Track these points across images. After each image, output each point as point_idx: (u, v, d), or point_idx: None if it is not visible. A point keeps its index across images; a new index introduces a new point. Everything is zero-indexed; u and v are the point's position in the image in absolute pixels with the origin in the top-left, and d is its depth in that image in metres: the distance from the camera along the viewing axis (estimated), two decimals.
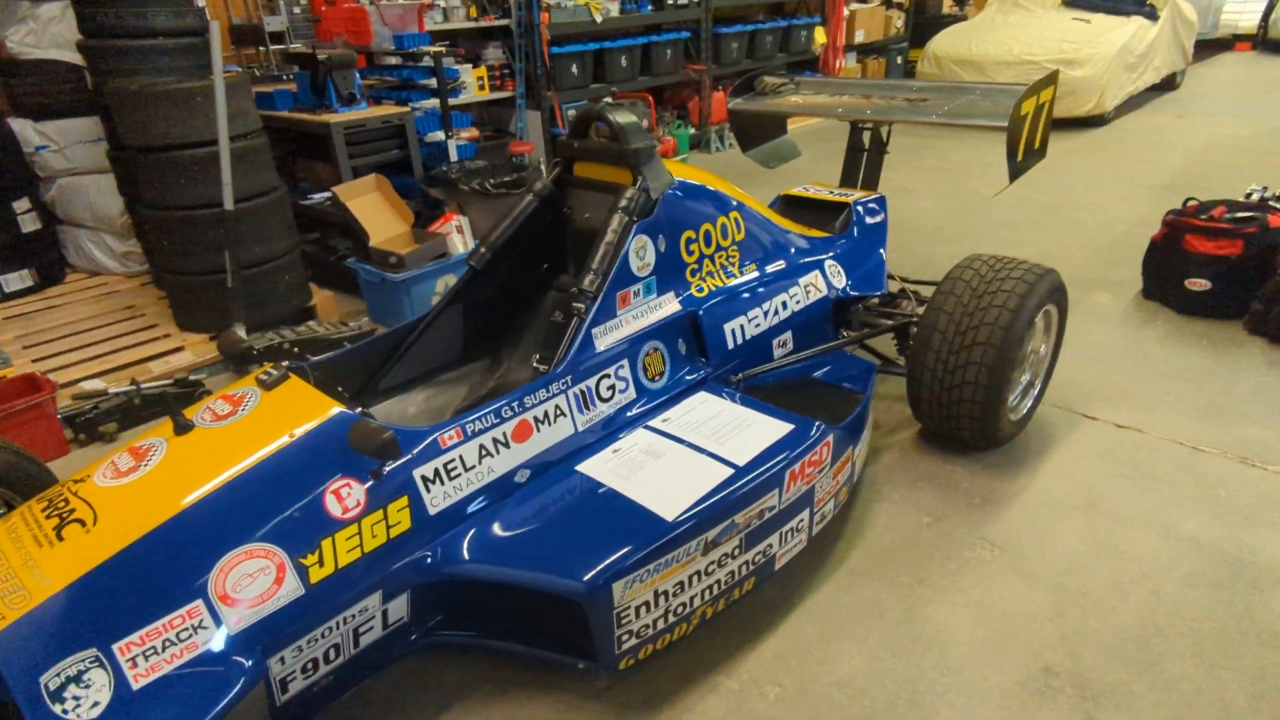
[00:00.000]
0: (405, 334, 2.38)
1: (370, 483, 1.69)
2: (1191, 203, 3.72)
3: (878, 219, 3.22)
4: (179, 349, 3.55)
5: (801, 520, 2.05)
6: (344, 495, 1.65)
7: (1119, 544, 2.30)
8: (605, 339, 2.14)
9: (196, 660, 1.45)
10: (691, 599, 1.83)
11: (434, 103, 4.86)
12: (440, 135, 4.77)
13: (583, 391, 2.06)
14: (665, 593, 1.77)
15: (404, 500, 1.73)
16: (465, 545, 1.78)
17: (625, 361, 2.17)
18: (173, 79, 3.46)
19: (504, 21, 5.65)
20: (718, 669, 1.94)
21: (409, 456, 1.74)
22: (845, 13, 8.40)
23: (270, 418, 1.73)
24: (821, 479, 2.07)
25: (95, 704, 1.36)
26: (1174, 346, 3.41)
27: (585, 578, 1.65)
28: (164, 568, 1.49)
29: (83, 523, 1.53)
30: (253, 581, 1.53)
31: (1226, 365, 3.23)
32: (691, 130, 7.27)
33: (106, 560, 1.46)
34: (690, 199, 2.38)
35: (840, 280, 2.86)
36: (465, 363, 2.56)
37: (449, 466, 1.80)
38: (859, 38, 8.77)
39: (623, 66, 6.33)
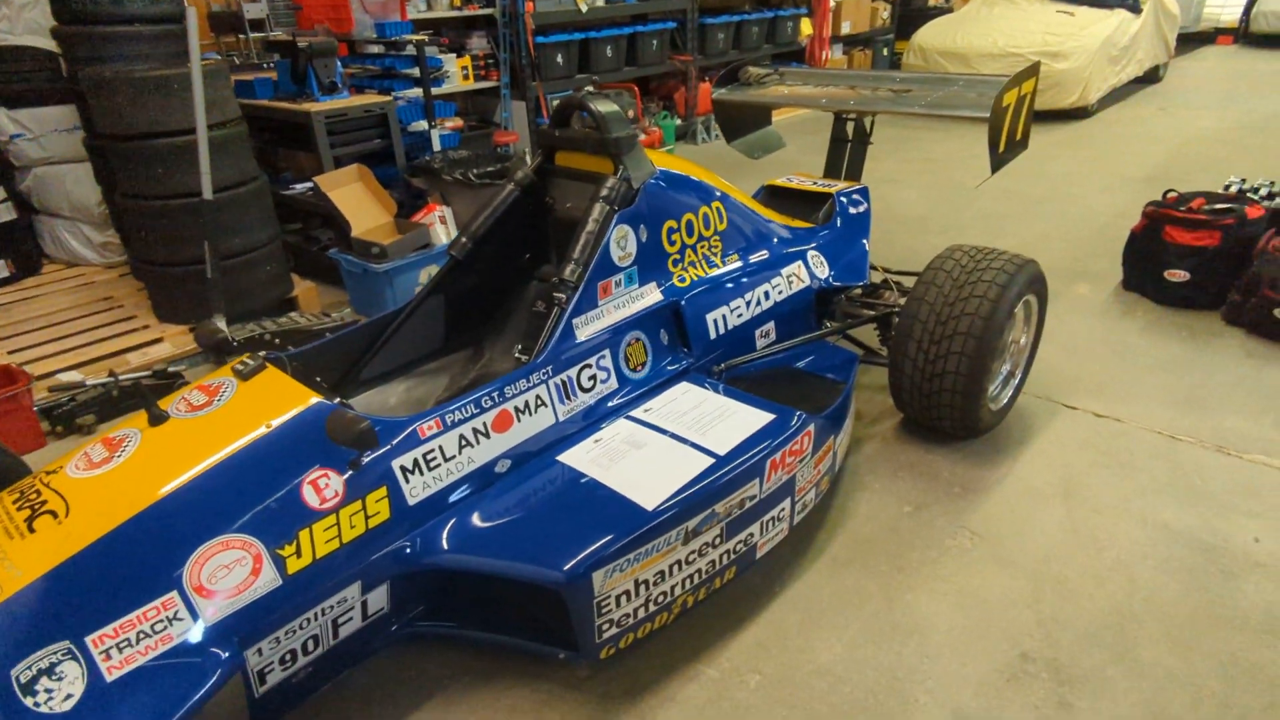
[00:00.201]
0: (386, 324, 2.36)
1: (348, 473, 1.68)
2: (1171, 194, 3.75)
3: (861, 209, 3.23)
4: (158, 340, 3.52)
5: (783, 509, 2.06)
6: (322, 486, 1.64)
7: (1096, 532, 2.32)
8: (586, 329, 2.13)
9: (171, 652, 1.44)
10: (672, 588, 1.83)
11: (417, 92, 4.82)
12: (423, 125, 4.73)
13: (564, 381, 2.06)
14: (646, 582, 1.77)
15: (383, 491, 1.72)
16: (445, 535, 1.77)
17: (607, 351, 2.17)
18: (149, 66, 3.41)
19: (488, 10, 5.61)
20: (699, 657, 1.95)
21: (388, 447, 1.74)
22: (831, 4, 8.39)
23: (247, 408, 1.71)
24: (803, 468, 2.08)
25: (68, 696, 1.34)
26: (1153, 337, 3.44)
27: (565, 567, 1.64)
28: (138, 559, 1.47)
29: (55, 514, 1.52)
30: (229, 573, 1.52)
31: (1204, 355, 3.27)
32: (678, 121, 7.26)
33: (79, 552, 1.45)
34: (672, 189, 2.38)
35: (823, 270, 2.87)
36: (447, 353, 2.54)
37: (428, 457, 1.79)
38: (845, 29, 8.77)
39: (608, 57, 6.30)
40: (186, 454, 1.62)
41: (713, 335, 2.43)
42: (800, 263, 2.78)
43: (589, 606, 1.68)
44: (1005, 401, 2.76)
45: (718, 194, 2.56)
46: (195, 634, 1.46)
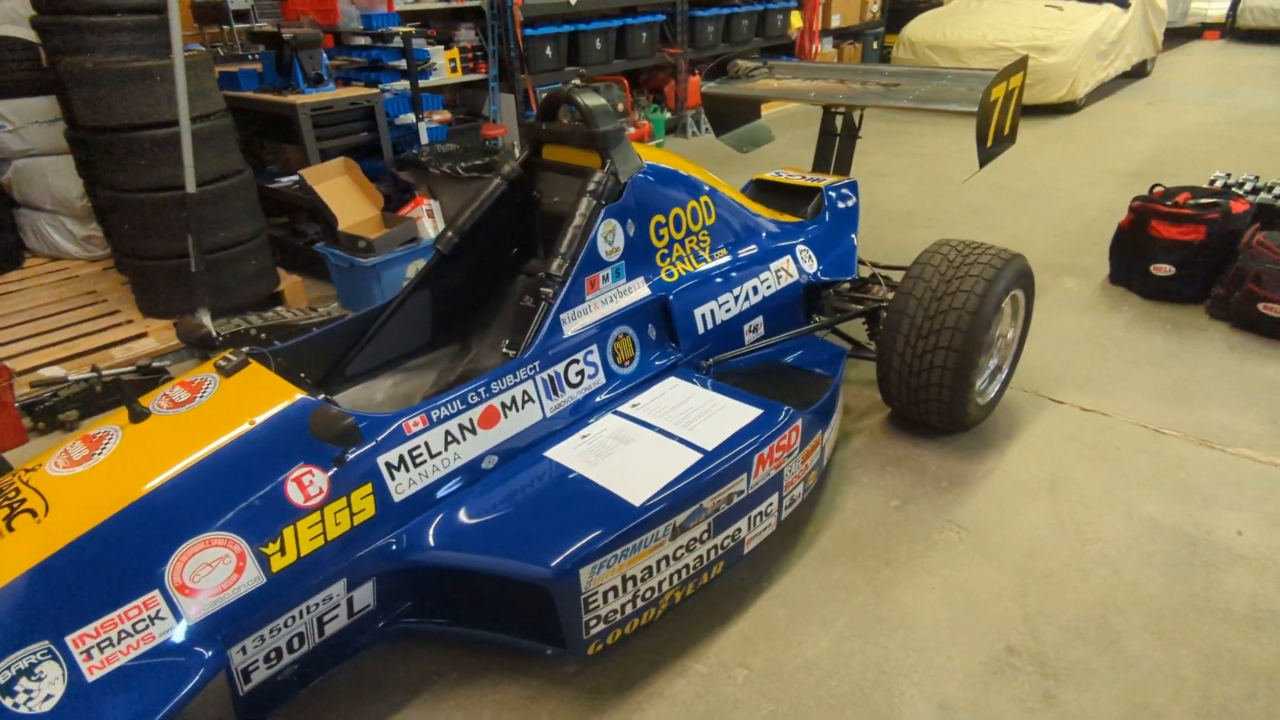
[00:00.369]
0: (371, 319, 2.34)
1: (333, 470, 1.66)
2: (1158, 189, 3.77)
3: (849, 204, 3.23)
4: (142, 335, 3.48)
5: (770, 504, 2.06)
6: (306, 483, 1.63)
7: (1082, 525, 2.34)
8: (574, 324, 2.12)
9: (154, 651, 1.42)
10: (660, 583, 1.83)
11: (404, 84, 4.78)
12: (410, 118, 4.70)
13: (551, 377, 2.05)
14: (633, 577, 1.77)
15: (368, 487, 1.71)
16: (431, 532, 1.76)
17: (594, 347, 2.16)
18: (131, 57, 3.36)
19: (476, 2, 5.57)
20: (686, 653, 1.95)
21: (372, 443, 1.72)
22: None
23: (229, 405, 1.69)
24: (790, 463, 2.08)
25: (48, 697, 1.33)
26: (1139, 331, 3.46)
27: (552, 563, 1.64)
28: (119, 558, 1.45)
29: (34, 513, 1.49)
30: (212, 571, 1.51)
31: (1189, 349, 3.29)
32: (667, 114, 7.23)
33: (58, 551, 1.43)
34: (660, 183, 2.37)
35: (811, 265, 2.87)
36: (433, 348, 2.53)
37: (414, 453, 1.78)
38: (835, 22, 8.76)
39: (597, 49, 6.27)
40: (168, 451, 1.60)
41: (701, 330, 2.42)
42: (789, 257, 2.78)
43: (576, 603, 1.68)
44: (992, 396, 2.77)
45: (706, 188, 2.55)
46: (178, 633, 1.45)
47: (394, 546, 1.74)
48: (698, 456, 1.90)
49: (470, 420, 1.88)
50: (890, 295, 2.87)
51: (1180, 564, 2.18)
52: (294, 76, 4.18)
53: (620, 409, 2.12)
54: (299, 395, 1.70)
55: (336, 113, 4.19)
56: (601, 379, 2.17)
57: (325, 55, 4.35)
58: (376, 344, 2.36)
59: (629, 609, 1.79)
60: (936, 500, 2.45)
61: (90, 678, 1.36)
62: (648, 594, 1.81)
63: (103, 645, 1.39)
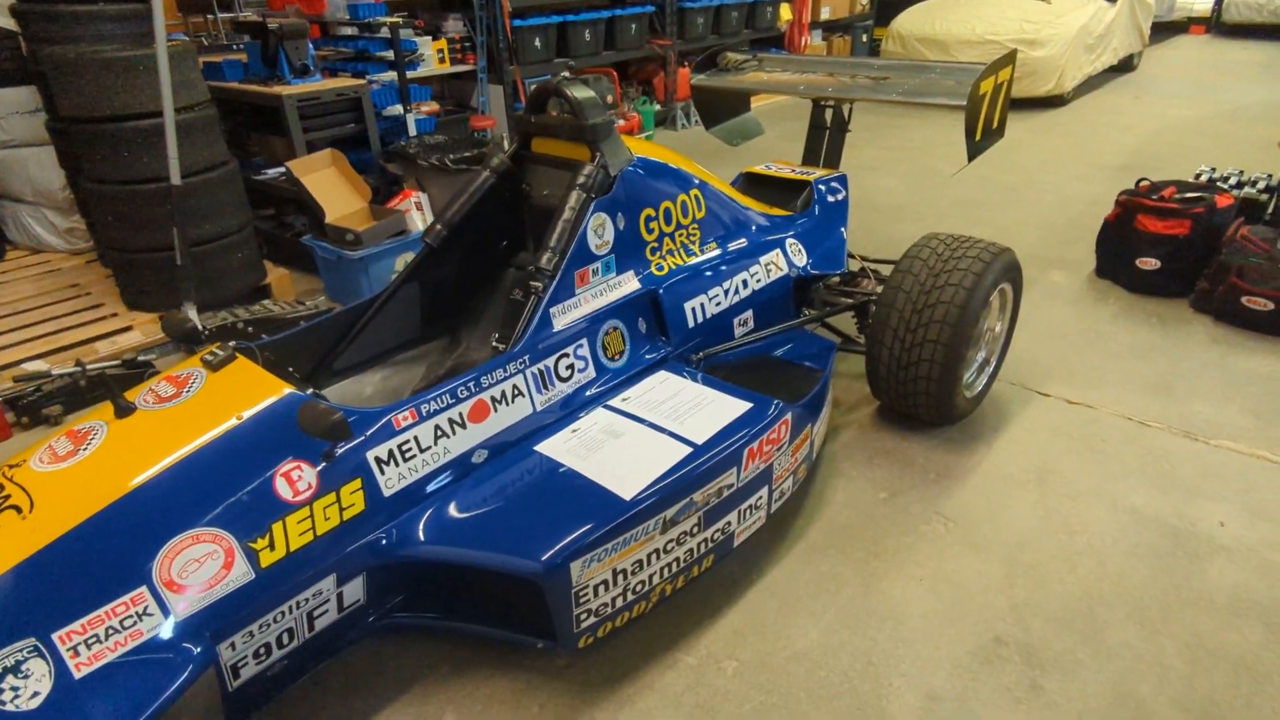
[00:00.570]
0: (360, 313, 2.33)
1: (322, 465, 1.66)
2: (1144, 183, 3.80)
3: (839, 197, 3.23)
4: (127, 329, 3.44)
5: (760, 497, 2.07)
6: (295, 478, 1.62)
7: (1068, 517, 2.36)
8: (564, 318, 2.12)
9: (142, 648, 1.41)
10: (650, 577, 1.84)
11: (391, 75, 4.74)
12: (398, 109, 4.66)
13: (541, 371, 2.04)
14: (624, 571, 1.77)
15: (357, 482, 1.70)
16: (421, 527, 1.76)
17: (584, 340, 2.15)
18: (113, 47, 3.32)
19: None
20: (677, 645, 1.96)
21: (362, 438, 1.71)
22: None
23: (216, 399, 1.68)
24: (780, 456, 2.09)
25: (35, 694, 1.32)
26: (1124, 324, 3.49)
27: (543, 557, 1.64)
28: (106, 554, 1.44)
29: (19, 509, 1.48)
30: (200, 566, 1.50)
31: (1174, 342, 3.32)
32: (657, 106, 7.21)
33: (44, 547, 1.42)
34: (650, 176, 2.36)
35: (801, 259, 2.87)
36: (423, 342, 2.52)
37: (404, 448, 1.77)
38: (824, 15, 8.75)
39: (586, 41, 6.24)
40: (154, 447, 1.58)
41: (691, 324, 2.43)
42: (779, 251, 2.78)
43: (567, 596, 1.68)
44: (980, 389, 2.79)
45: (696, 181, 2.55)
46: (166, 629, 1.44)
47: (384, 541, 1.74)
48: (688, 450, 1.90)
49: (460, 414, 1.87)
50: (879, 289, 2.88)
51: (1164, 555, 2.21)
52: (280, 67, 4.14)
53: (610, 403, 2.12)
54: (287, 390, 1.69)
55: (323, 104, 4.15)
56: (592, 373, 2.17)
57: (311, 45, 4.31)
58: (365, 338, 2.34)
59: (620, 602, 1.79)
60: (925, 492, 2.47)
61: (77, 675, 1.35)
62: (638, 587, 1.82)
63: (90, 642, 1.38)
